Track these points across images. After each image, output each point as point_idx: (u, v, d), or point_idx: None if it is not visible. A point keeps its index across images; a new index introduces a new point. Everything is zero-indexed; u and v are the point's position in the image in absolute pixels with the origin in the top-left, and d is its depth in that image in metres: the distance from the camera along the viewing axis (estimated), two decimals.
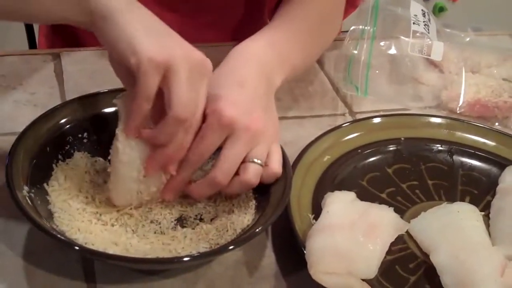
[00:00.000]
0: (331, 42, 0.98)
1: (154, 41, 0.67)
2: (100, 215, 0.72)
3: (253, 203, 0.75)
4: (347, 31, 1.03)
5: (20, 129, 0.75)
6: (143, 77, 0.66)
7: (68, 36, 1.16)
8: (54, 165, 0.76)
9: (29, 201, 0.69)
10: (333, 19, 0.99)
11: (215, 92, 0.72)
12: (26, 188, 0.70)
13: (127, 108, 0.69)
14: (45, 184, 0.74)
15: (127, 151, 0.70)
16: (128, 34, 0.67)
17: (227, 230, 0.72)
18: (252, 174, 0.72)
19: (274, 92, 0.81)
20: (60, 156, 0.77)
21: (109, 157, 0.73)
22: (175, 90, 0.67)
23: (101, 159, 0.79)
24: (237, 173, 0.73)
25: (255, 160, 0.73)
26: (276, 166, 0.74)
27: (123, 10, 0.68)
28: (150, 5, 1.06)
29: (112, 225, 0.72)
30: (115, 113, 0.75)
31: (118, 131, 0.70)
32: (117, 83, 0.73)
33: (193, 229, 0.73)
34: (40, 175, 0.74)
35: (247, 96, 0.75)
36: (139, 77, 0.66)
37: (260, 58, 0.80)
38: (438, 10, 2.60)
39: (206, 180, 0.72)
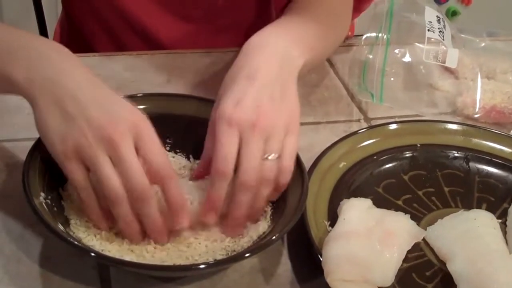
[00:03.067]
0: (342, 40, 0.99)
1: (59, 133, 0.67)
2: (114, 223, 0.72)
3: (268, 210, 0.75)
4: (361, 35, 1.03)
5: (36, 135, 0.75)
6: (65, 170, 0.68)
7: (82, 44, 1.16)
8: None
9: (46, 208, 0.69)
10: (342, 16, 0.99)
11: (224, 91, 0.73)
12: (42, 194, 0.70)
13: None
14: (60, 189, 0.74)
15: None
16: (42, 125, 0.68)
17: (243, 237, 0.72)
18: (267, 171, 0.71)
19: (296, 72, 0.79)
20: None
21: None
22: (98, 170, 0.66)
23: None
24: None
25: (267, 157, 0.71)
26: (286, 162, 0.72)
27: (40, 97, 0.68)
28: (164, 16, 1.08)
29: None
30: None
31: None
32: (130, 89, 0.73)
33: (209, 236, 0.72)
34: (56, 181, 0.74)
35: (254, 88, 0.73)
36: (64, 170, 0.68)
37: (271, 43, 0.79)
38: (451, 14, 2.59)
39: (238, 189, 0.70)
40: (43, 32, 1.54)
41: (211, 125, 0.74)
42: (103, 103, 0.68)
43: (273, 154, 0.71)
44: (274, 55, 0.77)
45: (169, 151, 0.81)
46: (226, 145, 0.70)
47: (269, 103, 0.73)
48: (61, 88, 0.68)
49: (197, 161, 0.80)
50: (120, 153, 0.66)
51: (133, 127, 0.67)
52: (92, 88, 0.69)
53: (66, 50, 0.72)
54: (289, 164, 0.72)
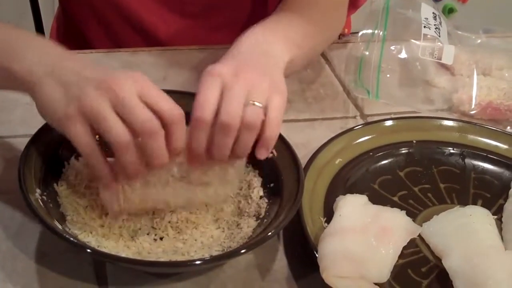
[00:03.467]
0: (333, 39, 0.99)
1: (62, 100, 0.67)
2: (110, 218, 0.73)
3: (264, 207, 0.75)
4: (357, 33, 1.03)
5: (32, 131, 0.75)
6: (69, 135, 0.67)
7: (79, 41, 1.16)
8: (65, 167, 0.76)
9: (41, 204, 0.69)
10: (334, 16, 0.99)
11: None
12: (38, 191, 0.70)
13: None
14: (55, 185, 0.74)
15: None
16: (46, 106, 0.68)
17: (239, 233, 0.72)
18: (250, 114, 0.69)
19: (281, 64, 0.79)
20: (72, 160, 0.77)
21: None
22: (104, 124, 0.65)
23: (113, 159, 0.79)
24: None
25: (251, 102, 0.70)
26: (272, 113, 0.70)
27: (40, 84, 0.68)
28: (161, 11, 1.08)
29: (124, 227, 0.72)
30: None
31: None
32: None
33: (205, 232, 0.73)
34: (51, 178, 0.74)
35: (239, 59, 0.74)
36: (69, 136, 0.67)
37: (258, 37, 0.80)
38: (448, 11, 2.59)
39: (217, 129, 0.68)
40: (39, 28, 1.54)
41: None
42: (104, 71, 0.68)
43: (257, 102, 0.70)
44: (257, 46, 0.79)
45: None
46: (205, 92, 0.69)
47: (253, 69, 0.73)
48: (61, 69, 0.68)
49: None
50: (122, 98, 0.65)
51: (133, 80, 0.67)
52: (92, 67, 0.70)
53: (64, 48, 0.73)
54: (275, 116, 0.70)
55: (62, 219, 0.71)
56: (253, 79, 0.71)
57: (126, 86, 0.66)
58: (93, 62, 0.71)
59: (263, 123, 0.70)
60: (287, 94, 0.74)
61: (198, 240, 0.71)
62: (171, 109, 0.67)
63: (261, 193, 0.76)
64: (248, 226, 0.73)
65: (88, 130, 0.66)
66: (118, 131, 0.65)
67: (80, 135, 0.66)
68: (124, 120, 0.65)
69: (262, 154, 0.72)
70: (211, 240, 0.71)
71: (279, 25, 0.86)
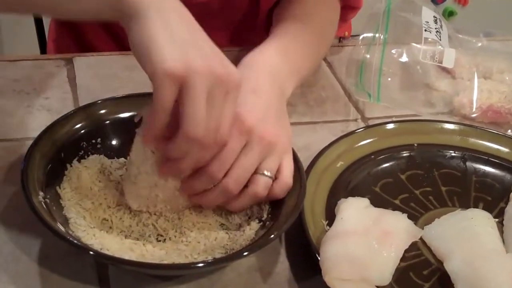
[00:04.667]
0: (330, 45, 1.00)
1: (174, 51, 0.63)
2: (112, 221, 0.73)
3: (267, 209, 0.75)
4: (357, 36, 1.03)
5: (34, 134, 0.76)
6: (158, 89, 0.63)
7: (78, 41, 1.16)
8: (67, 169, 0.76)
9: (44, 207, 0.69)
10: (332, 24, 1.00)
11: None
12: (41, 193, 0.70)
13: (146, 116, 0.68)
14: (57, 187, 0.74)
15: (147, 155, 0.70)
16: (147, 39, 0.63)
17: (242, 236, 0.72)
18: (261, 186, 0.72)
19: (286, 101, 0.81)
20: (75, 162, 0.77)
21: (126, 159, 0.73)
22: (188, 107, 0.63)
23: (115, 161, 0.79)
24: (245, 186, 0.72)
25: (265, 172, 0.72)
26: (287, 179, 0.74)
27: (150, 10, 0.64)
28: None
29: (127, 231, 0.72)
30: (129, 119, 0.76)
31: (138, 134, 0.70)
32: (130, 89, 0.73)
33: (208, 235, 0.73)
34: (54, 180, 0.74)
35: (261, 104, 0.74)
36: (154, 89, 0.63)
37: (272, 67, 0.80)
38: (448, 15, 2.59)
39: (217, 188, 0.71)
40: (39, 28, 1.54)
41: None
42: (212, 46, 0.67)
43: (269, 172, 0.72)
44: (273, 80, 0.79)
45: None
46: (229, 152, 0.70)
47: (274, 121, 0.74)
48: (171, 12, 0.66)
49: None
50: (223, 99, 0.65)
51: (236, 85, 0.66)
52: (195, 27, 0.68)
53: None
54: (290, 182, 0.74)
55: (65, 222, 0.71)
56: (272, 138, 0.72)
57: (232, 91, 0.66)
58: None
59: (273, 184, 0.73)
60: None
61: (201, 242, 0.71)
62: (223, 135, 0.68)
63: None
64: (251, 228, 0.73)
65: (175, 95, 0.63)
66: (198, 121, 0.64)
67: (168, 93, 0.63)
68: (208, 115, 0.64)
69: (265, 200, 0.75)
70: (214, 243, 0.71)
71: (286, 48, 0.86)
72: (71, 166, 0.76)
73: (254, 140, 0.71)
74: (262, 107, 0.74)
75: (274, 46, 0.85)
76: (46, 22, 1.48)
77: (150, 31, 0.63)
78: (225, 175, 0.71)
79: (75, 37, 1.16)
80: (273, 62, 0.81)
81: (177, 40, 0.64)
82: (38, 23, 1.52)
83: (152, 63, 0.62)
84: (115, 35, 1.13)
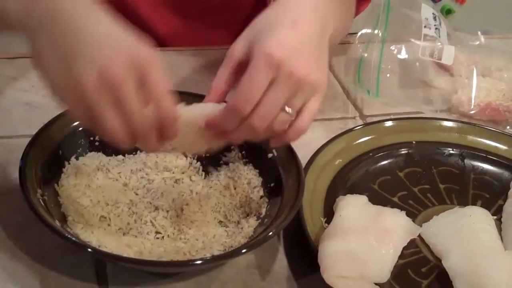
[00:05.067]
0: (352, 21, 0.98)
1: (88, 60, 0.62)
2: (111, 218, 0.73)
3: (265, 206, 0.75)
4: (356, 33, 1.03)
5: (33, 131, 0.75)
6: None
7: None
8: (65, 166, 0.76)
9: (43, 204, 0.69)
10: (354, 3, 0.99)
11: (264, 30, 0.69)
12: (39, 191, 0.70)
13: None
14: (55, 185, 0.74)
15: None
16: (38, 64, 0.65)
17: (240, 233, 0.72)
18: (280, 123, 0.68)
19: (328, 39, 0.76)
20: (73, 159, 0.77)
21: None
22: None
23: (113, 158, 0.79)
24: None
25: (287, 109, 0.68)
26: (304, 123, 0.69)
27: (35, 34, 0.65)
28: (160, 12, 1.08)
29: (126, 228, 0.72)
30: None
31: None
32: None
33: (206, 232, 0.73)
34: (52, 178, 0.74)
35: (298, 37, 0.69)
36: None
37: (314, 1, 0.75)
38: (446, 12, 2.59)
39: (244, 126, 0.68)
40: None
41: (237, 53, 0.71)
42: (107, 37, 0.65)
43: (291, 110, 0.68)
44: (316, 11, 0.74)
45: None
46: (255, 86, 0.66)
47: (308, 57, 0.70)
48: (59, 23, 0.64)
49: (193, 160, 0.81)
50: (121, 97, 0.62)
51: (137, 65, 0.64)
52: (96, 21, 0.66)
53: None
54: (306, 125, 0.70)
55: (63, 219, 0.71)
56: (303, 80, 0.68)
57: (127, 82, 0.62)
58: None
59: (290, 124, 0.69)
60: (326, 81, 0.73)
61: (200, 240, 0.71)
62: (168, 112, 0.65)
63: (262, 193, 0.77)
64: (249, 225, 0.73)
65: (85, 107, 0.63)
66: (113, 131, 0.63)
67: (77, 112, 0.64)
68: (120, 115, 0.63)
69: (275, 144, 0.73)
70: (212, 240, 0.71)
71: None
72: (69, 163, 0.76)
73: (282, 76, 0.67)
74: (296, 40, 0.69)
75: None
76: None
77: (41, 53, 0.65)
78: (252, 111, 0.67)
79: None
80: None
81: (65, 60, 0.63)
82: None
83: (49, 86, 0.66)
84: None
